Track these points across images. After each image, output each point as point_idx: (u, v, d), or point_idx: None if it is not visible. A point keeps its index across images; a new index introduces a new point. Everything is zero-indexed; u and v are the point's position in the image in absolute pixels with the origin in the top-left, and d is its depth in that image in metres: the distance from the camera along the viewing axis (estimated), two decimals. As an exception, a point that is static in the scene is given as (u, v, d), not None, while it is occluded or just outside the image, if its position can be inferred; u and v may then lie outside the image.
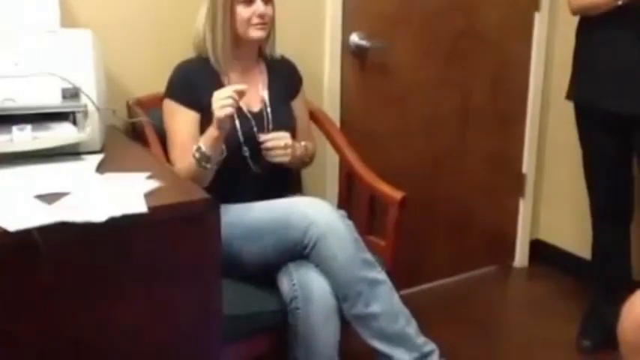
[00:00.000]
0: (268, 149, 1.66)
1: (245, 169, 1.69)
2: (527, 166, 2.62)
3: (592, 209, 2.13)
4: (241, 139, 1.67)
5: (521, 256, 2.70)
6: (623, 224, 2.09)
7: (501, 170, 2.59)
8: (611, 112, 1.91)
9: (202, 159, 1.58)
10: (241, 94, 1.54)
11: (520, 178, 2.63)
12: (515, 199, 2.65)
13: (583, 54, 1.99)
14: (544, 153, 2.64)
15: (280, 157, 1.67)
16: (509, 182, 2.62)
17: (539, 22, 2.48)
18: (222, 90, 1.56)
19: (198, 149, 1.58)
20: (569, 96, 2.06)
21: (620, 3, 1.79)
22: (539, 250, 2.69)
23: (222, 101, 1.52)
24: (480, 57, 2.41)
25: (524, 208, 2.66)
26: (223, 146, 1.60)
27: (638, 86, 1.87)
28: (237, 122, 1.66)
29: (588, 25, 1.96)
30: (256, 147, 1.68)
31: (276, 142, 1.66)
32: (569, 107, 2.49)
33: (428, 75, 2.33)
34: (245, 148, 1.68)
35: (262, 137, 1.67)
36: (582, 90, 2.01)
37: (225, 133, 1.57)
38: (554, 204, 2.64)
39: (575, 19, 2.46)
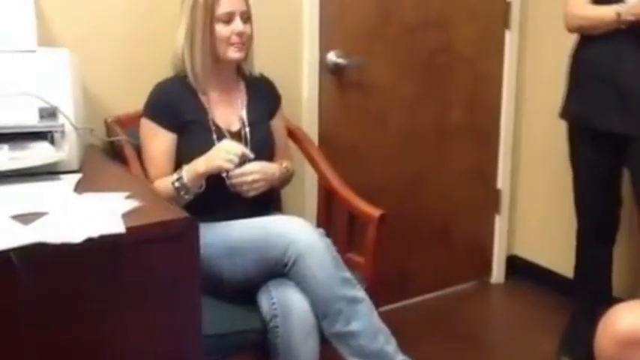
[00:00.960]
0: (234, 186, 1.65)
1: (225, 189, 1.68)
2: (503, 182, 2.66)
3: (579, 228, 2.10)
4: None
5: (497, 272, 2.73)
6: (609, 244, 2.08)
7: (477, 186, 2.62)
8: (603, 130, 1.89)
9: (182, 189, 1.59)
10: (244, 156, 1.59)
11: (496, 194, 2.67)
12: (492, 215, 2.69)
13: (576, 71, 1.97)
14: (518, 169, 2.68)
15: (249, 192, 1.66)
16: (486, 198, 2.66)
17: (510, 39, 2.54)
18: (233, 145, 1.59)
19: (180, 179, 1.59)
20: (563, 114, 2.03)
21: (623, 27, 1.79)
22: (516, 265, 2.72)
23: (229, 156, 1.56)
24: (455, 73, 2.46)
25: (500, 223, 2.69)
26: (203, 181, 1.61)
27: (630, 104, 1.83)
28: (215, 142, 1.67)
29: (583, 42, 1.94)
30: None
31: (243, 179, 1.64)
32: (541, 123, 2.56)
33: (404, 92, 2.36)
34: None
35: (231, 174, 1.65)
36: (575, 108, 1.99)
37: (208, 173, 1.59)
38: (530, 220, 2.68)
39: (545, 36, 2.53)
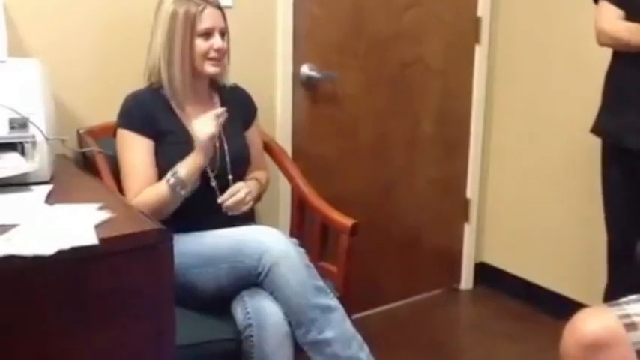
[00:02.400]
0: (230, 207, 1.67)
1: (200, 199, 1.67)
2: (472, 191, 2.71)
3: (609, 247, 2.02)
4: (208, 169, 1.68)
5: (467, 279, 2.78)
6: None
7: (447, 195, 2.67)
8: (631, 150, 1.85)
9: (178, 184, 1.58)
10: (221, 115, 1.60)
11: (465, 204, 2.72)
12: (461, 224, 2.74)
13: (608, 90, 1.92)
14: (487, 179, 2.74)
15: (244, 208, 1.69)
16: (455, 207, 2.71)
17: (480, 53, 2.60)
18: (203, 116, 1.60)
19: (175, 174, 1.58)
20: (594, 129, 1.97)
21: None
22: (484, 272, 2.77)
23: (207, 121, 1.58)
24: (425, 86, 2.51)
25: (469, 232, 2.75)
26: (198, 176, 1.62)
27: None
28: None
29: (616, 62, 1.89)
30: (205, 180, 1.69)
31: (237, 197, 1.67)
32: (510, 134, 2.61)
33: (376, 104, 2.40)
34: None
35: (220, 199, 1.67)
36: (605, 126, 1.93)
37: (208, 161, 1.60)
38: (498, 228, 2.74)
39: (514, 50, 2.58)
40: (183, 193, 1.59)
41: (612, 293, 2.02)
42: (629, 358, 1.29)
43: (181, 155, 1.62)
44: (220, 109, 1.61)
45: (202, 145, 1.58)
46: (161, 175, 1.65)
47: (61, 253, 1.09)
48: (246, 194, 1.70)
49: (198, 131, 1.58)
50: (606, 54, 1.90)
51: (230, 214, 1.68)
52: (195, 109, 1.74)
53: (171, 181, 1.58)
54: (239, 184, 1.71)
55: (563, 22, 2.38)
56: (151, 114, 1.67)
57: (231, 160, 1.73)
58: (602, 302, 2.09)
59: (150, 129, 1.65)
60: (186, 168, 1.59)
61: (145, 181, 1.63)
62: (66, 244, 1.10)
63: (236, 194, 1.68)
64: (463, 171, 2.69)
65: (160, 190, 1.59)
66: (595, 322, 1.35)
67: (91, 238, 1.13)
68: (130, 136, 1.66)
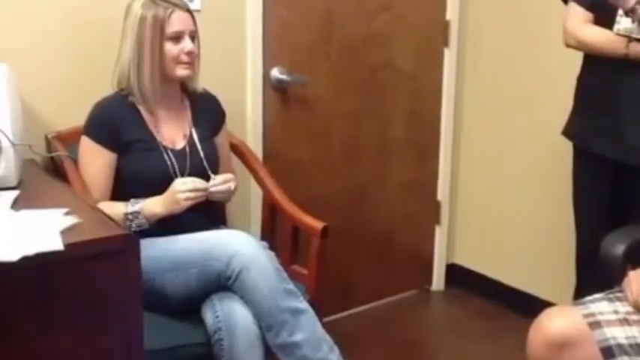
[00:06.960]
0: (219, 192, 1.66)
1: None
2: (442, 193, 2.75)
3: (577, 251, 2.01)
4: (178, 174, 1.68)
5: (438, 280, 2.81)
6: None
7: (418, 198, 2.70)
8: (597, 154, 1.85)
9: (133, 221, 1.59)
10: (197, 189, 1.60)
11: (436, 206, 2.76)
12: (432, 226, 2.77)
13: (579, 94, 1.93)
14: (457, 181, 2.78)
15: (226, 198, 1.71)
16: (426, 209, 2.74)
17: (449, 57, 2.63)
18: (187, 182, 1.60)
19: (134, 214, 1.59)
20: (565, 132, 1.98)
21: (629, 57, 1.71)
22: (455, 273, 2.81)
23: (187, 194, 1.58)
24: (396, 89, 2.53)
25: (440, 234, 2.78)
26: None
27: (627, 132, 1.78)
28: (166, 159, 1.68)
29: (587, 67, 1.90)
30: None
31: (224, 187, 1.66)
32: (479, 137, 2.63)
33: (346, 107, 2.42)
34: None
35: (212, 181, 1.66)
36: (576, 130, 1.94)
37: (166, 214, 1.61)
38: (468, 230, 2.78)
39: (483, 53, 2.61)
40: (133, 227, 1.59)
41: (582, 294, 2.06)
42: (594, 356, 1.33)
43: (149, 162, 1.63)
44: (202, 186, 1.61)
45: (169, 208, 1.59)
46: (128, 179, 1.65)
47: (26, 259, 1.07)
48: (235, 188, 1.70)
49: (178, 198, 1.58)
50: (575, 56, 1.93)
51: (215, 199, 1.67)
52: (166, 115, 1.74)
53: (130, 217, 1.59)
54: (230, 175, 1.70)
55: (532, 25, 2.42)
56: (118, 125, 1.66)
57: (199, 166, 1.72)
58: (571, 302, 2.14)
59: (113, 142, 1.65)
60: (147, 213, 1.60)
61: (99, 192, 1.65)
62: (30, 251, 1.09)
63: (228, 183, 1.67)
64: (434, 173, 2.72)
65: (116, 212, 1.58)
66: (560, 321, 1.39)
67: (56, 244, 1.12)
68: (91, 146, 1.66)
